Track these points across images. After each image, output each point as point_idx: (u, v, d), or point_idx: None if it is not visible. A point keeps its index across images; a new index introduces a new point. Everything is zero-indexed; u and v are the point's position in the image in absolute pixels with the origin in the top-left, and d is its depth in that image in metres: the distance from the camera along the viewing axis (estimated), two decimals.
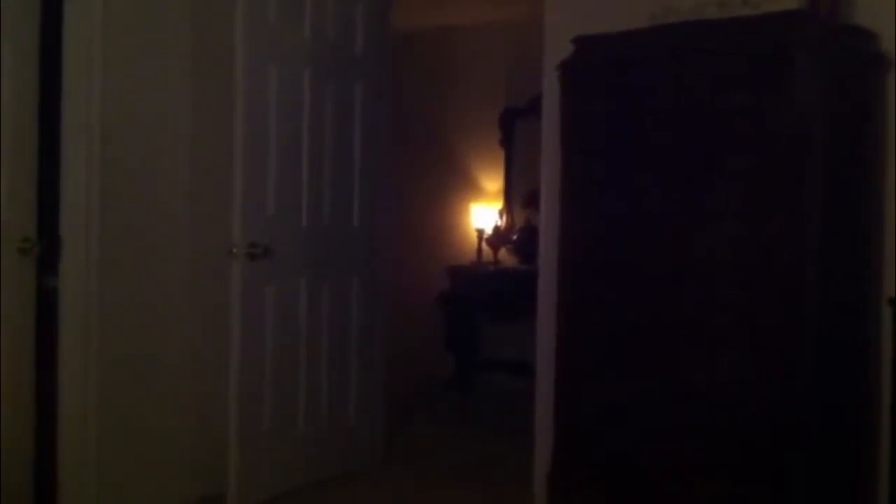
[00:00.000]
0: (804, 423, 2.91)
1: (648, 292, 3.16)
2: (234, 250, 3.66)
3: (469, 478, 4.36)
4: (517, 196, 6.52)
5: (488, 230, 6.56)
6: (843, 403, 3.08)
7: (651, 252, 3.16)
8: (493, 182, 6.74)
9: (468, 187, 6.82)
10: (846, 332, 3.09)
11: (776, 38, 2.91)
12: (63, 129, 3.51)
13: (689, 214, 3.07)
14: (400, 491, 4.17)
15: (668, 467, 3.09)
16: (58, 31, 3.51)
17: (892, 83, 3.14)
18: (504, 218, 6.60)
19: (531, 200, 5.89)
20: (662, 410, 3.11)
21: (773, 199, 2.89)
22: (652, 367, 3.14)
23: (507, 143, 6.62)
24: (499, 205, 6.64)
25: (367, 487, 4.18)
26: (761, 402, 2.90)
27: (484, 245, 6.55)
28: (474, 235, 6.59)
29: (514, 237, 6.51)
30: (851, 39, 3.11)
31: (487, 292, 6.39)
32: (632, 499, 3.20)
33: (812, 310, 2.91)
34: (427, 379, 6.52)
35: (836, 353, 3.02)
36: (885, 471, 3.01)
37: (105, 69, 3.54)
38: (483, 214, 6.58)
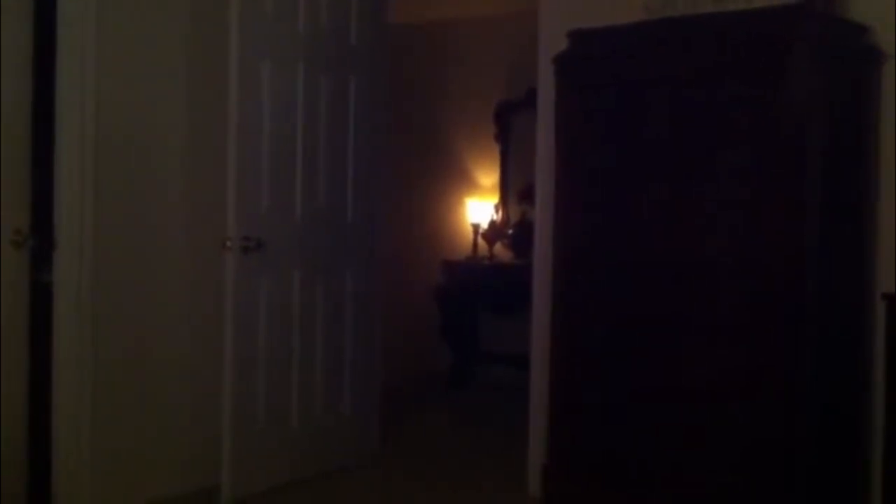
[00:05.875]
0: (805, 417, 2.92)
1: (648, 285, 3.16)
2: (228, 243, 3.65)
3: (464, 471, 4.35)
4: (513, 190, 6.51)
5: (484, 225, 6.55)
6: (841, 397, 3.09)
7: (649, 246, 3.15)
8: (488, 176, 6.73)
9: (464, 182, 6.81)
10: (844, 326, 3.09)
11: (773, 31, 2.91)
12: (57, 120, 3.49)
13: (688, 208, 3.07)
14: (395, 485, 4.17)
15: (668, 462, 3.10)
16: (52, 22, 3.49)
17: (888, 77, 3.15)
18: (499, 212, 6.59)
19: (527, 195, 5.89)
20: (662, 405, 3.11)
21: (772, 192, 2.89)
22: (651, 361, 3.14)
23: (503, 137, 6.61)
24: (494, 199, 6.63)
25: (361, 481, 4.17)
26: (762, 397, 2.90)
27: (479, 240, 6.54)
28: (470, 230, 6.58)
29: (510, 232, 6.50)
30: (847, 33, 3.12)
31: (483, 286, 6.39)
32: (630, 493, 3.20)
33: (812, 303, 2.91)
34: (423, 372, 6.52)
35: (834, 346, 3.03)
36: (879, 462, 3.02)
37: (99, 60, 3.52)
38: (478, 209, 6.57)
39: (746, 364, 2.92)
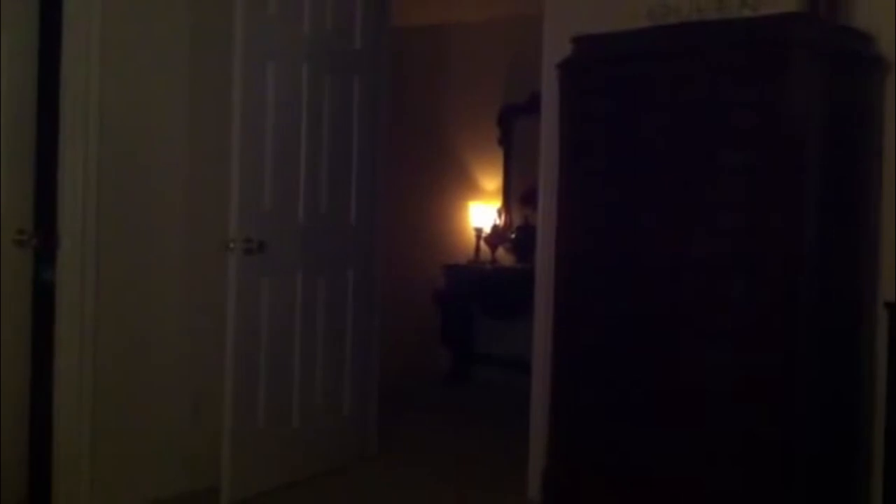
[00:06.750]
0: (804, 419, 2.93)
1: (648, 286, 3.17)
2: (231, 245, 3.66)
3: (464, 472, 4.36)
4: (515, 194, 6.52)
5: (486, 229, 6.56)
6: (842, 399, 3.09)
7: (649, 248, 3.16)
8: (491, 180, 6.74)
9: (466, 185, 6.82)
10: (844, 328, 3.10)
11: (775, 37, 2.92)
12: (61, 120, 3.51)
13: (689, 210, 3.08)
14: (394, 485, 4.17)
15: (668, 463, 3.10)
16: (57, 22, 3.50)
17: (889, 85, 3.15)
18: (502, 216, 6.60)
19: (529, 199, 5.90)
20: (662, 407, 3.12)
21: (772, 196, 2.90)
22: (652, 363, 3.14)
23: (506, 141, 6.62)
24: (497, 203, 6.64)
25: (360, 481, 4.18)
26: (761, 398, 2.90)
27: (482, 243, 6.55)
28: (472, 234, 6.59)
29: (512, 235, 6.51)
30: (849, 41, 3.12)
31: (485, 290, 6.40)
32: (630, 492, 3.20)
33: (811, 305, 2.92)
34: (423, 374, 6.52)
35: (835, 349, 3.04)
36: (880, 466, 3.03)
37: (103, 61, 3.54)
38: (481, 213, 6.58)
39: (747, 366, 2.93)
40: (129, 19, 3.64)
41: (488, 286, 6.39)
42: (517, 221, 6.51)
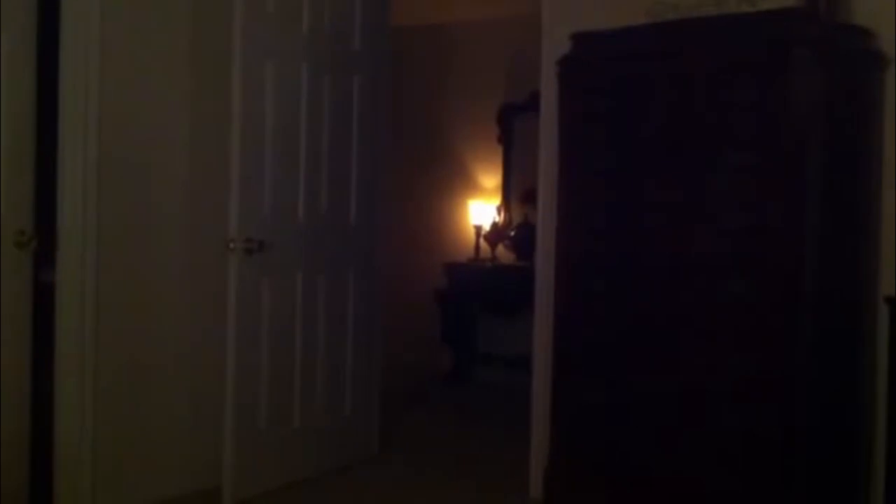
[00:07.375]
0: (804, 418, 2.93)
1: (648, 286, 3.17)
2: (231, 245, 3.66)
3: (465, 471, 4.36)
4: (515, 192, 6.52)
5: (486, 227, 6.56)
6: (842, 397, 3.09)
7: (650, 246, 3.16)
8: (491, 178, 6.74)
9: (466, 184, 6.82)
10: (845, 327, 3.10)
11: (775, 35, 2.92)
12: (61, 121, 3.50)
13: (689, 208, 3.08)
14: (395, 485, 4.17)
15: (668, 463, 3.10)
16: (56, 24, 3.50)
17: (890, 82, 3.15)
18: (502, 214, 6.60)
19: (529, 197, 5.90)
20: (662, 406, 3.12)
21: (773, 194, 2.90)
22: (652, 362, 3.15)
23: (506, 139, 6.62)
24: (497, 201, 6.64)
25: (362, 481, 4.18)
26: (761, 397, 2.91)
27: (482, 241, 6.55)
28: (472, 232, 6.59)
29: (512, 233, 6.51)
30: (850, 37, 3.12)
31: (485, 288, 6.40)
32: (631, 493, 3.21)
33: (811, 304, 2.92)
34: (424, 374, 6.53)
35: (835, 347, 3.03)
36: (882, 464, 3.03)
37: (103, 61, 3.53)
38: (481, 211, 6.58)
39: (747, 364, 2.93)
40: (128, 19, 3.64)
41: (489, 284, 6.39)
42: (517, 219, 6.51)
